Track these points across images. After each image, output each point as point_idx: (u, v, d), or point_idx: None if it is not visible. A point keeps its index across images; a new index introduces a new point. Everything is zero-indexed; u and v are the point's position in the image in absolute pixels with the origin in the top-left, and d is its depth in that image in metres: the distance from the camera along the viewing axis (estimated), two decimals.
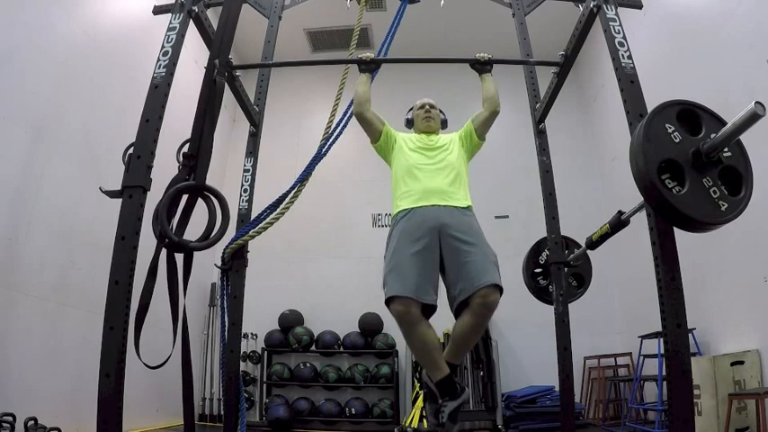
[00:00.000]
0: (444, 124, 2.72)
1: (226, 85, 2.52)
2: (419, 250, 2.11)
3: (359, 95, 2.53)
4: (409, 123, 2.70)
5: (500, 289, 2.04)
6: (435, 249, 2.14)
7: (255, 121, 3.14)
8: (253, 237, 2.67)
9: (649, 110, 1.82)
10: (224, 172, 6.01)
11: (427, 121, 2.57)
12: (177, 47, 2.33)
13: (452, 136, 2.53)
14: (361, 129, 2.58)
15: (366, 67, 2.63)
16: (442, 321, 2.16)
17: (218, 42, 2.48)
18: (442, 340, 4.40)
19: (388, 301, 2.05)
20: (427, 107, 2.59)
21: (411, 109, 2.69)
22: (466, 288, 2.04)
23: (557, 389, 3.28)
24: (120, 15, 4.23)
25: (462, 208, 2.25)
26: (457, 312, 2.12)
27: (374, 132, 2.50)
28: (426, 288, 2.06)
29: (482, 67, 2.63)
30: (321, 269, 6.07)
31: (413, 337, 2.06)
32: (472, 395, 5.23)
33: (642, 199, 1.89)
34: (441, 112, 2.69)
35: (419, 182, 2.28)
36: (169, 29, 2.37)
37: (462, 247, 2.12)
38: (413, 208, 2.23)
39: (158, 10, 2.66)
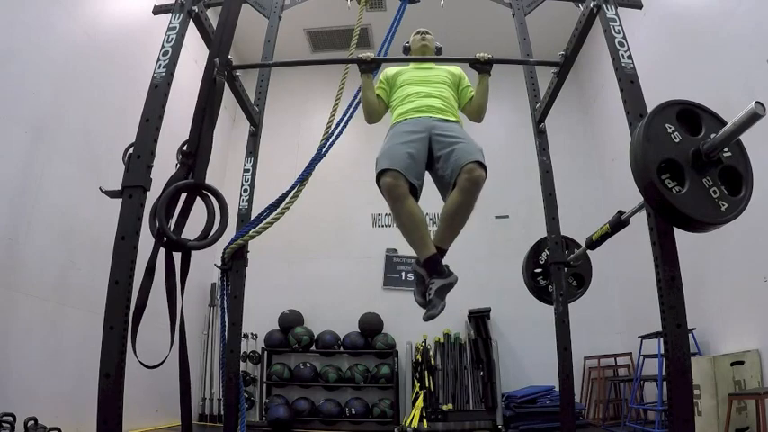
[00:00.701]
0: (439, 51, 2.91)
1: (225, 84, 2.52)
2: (410, 141, 2.33)
3: (368, 104, 2.63)
4: (406, 51, 2.89)
5: (485, 168, 2.19)
6: (425, 144, 2.35)
7: (255, 121, 3.14)
8: (253, 237, 2.67)
9: (649, 110, 1.82)
10: (224, 172, 6.02)
11: (422, 42, 2.78)
12: (177, 47, 2.33)
13: (449, 69, 2.72)
14: (361, 128, 2.62)
15: (366, 66, 2.63)
16: None
17: (218, 42, 2.48)
18: None
19: (379, 177, 2.22)
20: (422, 32, 2.82)
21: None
22: (454, 168, 2.21)
23: (557, 389, 3.29)
24: (120, 15, 4.22)
25: (452, 120, 2.48)
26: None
27: (385, 110, 2.72)
28: (413, 170, 2.24)
29: (482, 66, 2.63)
30: (321, 269, 6.07)
31: (401, 211, 2.18)
32: (472, 395, 5.24)
33: (642, 199, 1.88)
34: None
35: (413, 103, 2.51)
36: (169, 29, 2.37)
37: (449, 140, 2.33)
38: (407, 118, 2.46)
39: (158, 10, 2.66)
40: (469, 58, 2.64)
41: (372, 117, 2.67)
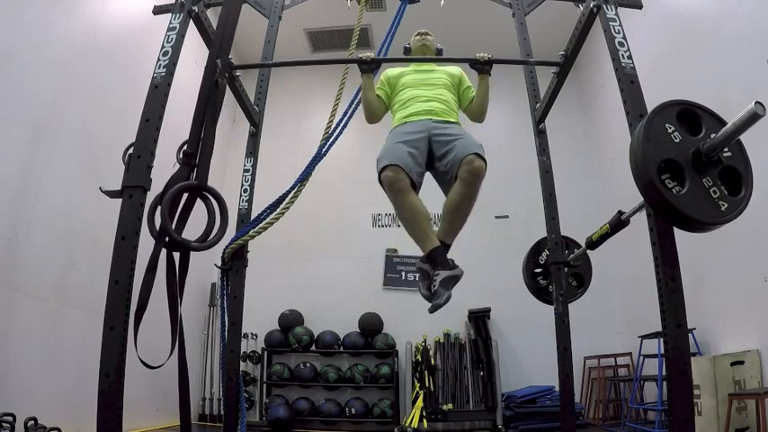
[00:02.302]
0: (440, 52, 2.93)
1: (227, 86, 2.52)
2: (410, 140, 2.36)
3: (368, 104, 2.65)
4: (407, 51, 2.91)
5: (484, 160, 2.21)
6: (425, 143, 2.39)
7: (255, 121, 3.14)
8: (253, 237, 2.67)
9: (649, 110, 1.82)
10: (224, 172, 6.01)
11: (422, 42, 2.81)
12: (177, 47, 2.33)
13: (449, 71, 2.73)
14: (361, 128, 2.63)
15: (366, 66, 2.63)
16: None
17: (218, 42, 2.47)
18: None
19: (381, 172, 2.23)
20: (422, 33, 2.84)
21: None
22: (454, 162, 2.24)
23: (557, 389, 3.28)
24: (120, 15, 4.23)
25: (451, 122, 2.51)
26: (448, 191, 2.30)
27: (385, 111, 2.74)
28: (414, 167, 2.26)
29: (482, 66, 2.63)
30: (321, 269, 6.07)
31: (403, 204, 2.19)
32: (472, 395, 5.24)
33: (642, 199, 1.88)
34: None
35: (413, 107, 2.53)
36: (169, 29, 2.36)
37: (449, 138, 2.36)
38: (408, 121, 2.49)
39: (158, 10, 2.66)
40: (469, 59, 2.64)
41: (372, 117, 2.69)
